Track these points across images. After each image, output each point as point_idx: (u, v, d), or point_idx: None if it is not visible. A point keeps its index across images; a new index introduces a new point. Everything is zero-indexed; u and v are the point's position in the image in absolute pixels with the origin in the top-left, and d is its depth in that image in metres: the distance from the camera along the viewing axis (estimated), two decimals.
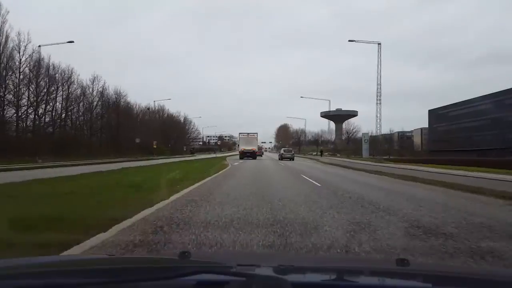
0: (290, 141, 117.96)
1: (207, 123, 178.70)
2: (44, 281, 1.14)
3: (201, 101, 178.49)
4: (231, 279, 1.06)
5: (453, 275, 1.49)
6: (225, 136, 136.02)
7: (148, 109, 61.53)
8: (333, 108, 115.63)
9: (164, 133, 63.32)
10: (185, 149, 76.58)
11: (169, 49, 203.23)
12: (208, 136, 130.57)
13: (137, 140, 40.23)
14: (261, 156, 59.97)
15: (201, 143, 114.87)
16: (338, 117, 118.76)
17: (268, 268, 1.45)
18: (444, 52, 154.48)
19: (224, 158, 42.23)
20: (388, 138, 77.31)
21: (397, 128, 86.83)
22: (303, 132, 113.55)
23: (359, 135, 73.82)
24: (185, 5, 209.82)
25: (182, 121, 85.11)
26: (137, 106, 60.87)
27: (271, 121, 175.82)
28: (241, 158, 41.33)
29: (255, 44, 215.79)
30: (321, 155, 59.55)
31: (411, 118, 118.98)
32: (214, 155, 63.27)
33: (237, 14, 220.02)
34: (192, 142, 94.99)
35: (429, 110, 73.71)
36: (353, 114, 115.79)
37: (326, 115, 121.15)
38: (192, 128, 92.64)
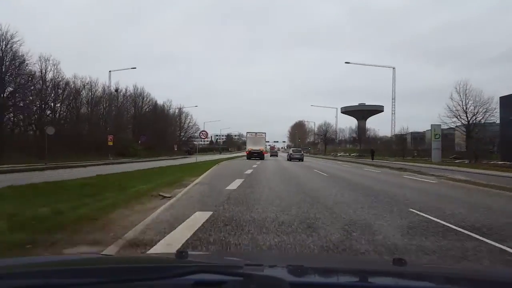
0: (306, 140, 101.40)
1: (215, 122, 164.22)
2: (43, 281, 1.11)
3: (212, 101, 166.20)
4: (228, 279, 1.03)
5: (450, 275, 1.47)
6: (235, 136, 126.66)
7: (116, 90, 44.05)
8: (350, 104, 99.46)
9: (138, 127, 45.92)
10: (175, 149, 59.05)
11: (181, 48, 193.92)
12: (216, 135, 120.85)
13: (50, 132, 23.43)
14: (276, 156, 53.58)
15: (207, 142, 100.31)
16: (361, 113, 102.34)
17: (266, 267, 1.42)
18: (460, 51, 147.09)
19: (213, 164, 24.52)
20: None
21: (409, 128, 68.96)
22: (329, 127, 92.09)
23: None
24: (197, 5, 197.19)
25: (176, 113, 67.93)
26: (94, 83, 40.62)
27: (284, 121, 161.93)
28: (248, 158, 38.39)
29: (266, 44, 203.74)
30: (372, 157, 42.38)
31: (420, 118, 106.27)
32: (216, 156, 50.62)
33: (249, 14, 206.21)
34: (189, 140, 77.24)
35: (500, 97, 54.21)
36: (378, 109, 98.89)
37: (347, 110, 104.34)
38: (190, 123, 75.23)
